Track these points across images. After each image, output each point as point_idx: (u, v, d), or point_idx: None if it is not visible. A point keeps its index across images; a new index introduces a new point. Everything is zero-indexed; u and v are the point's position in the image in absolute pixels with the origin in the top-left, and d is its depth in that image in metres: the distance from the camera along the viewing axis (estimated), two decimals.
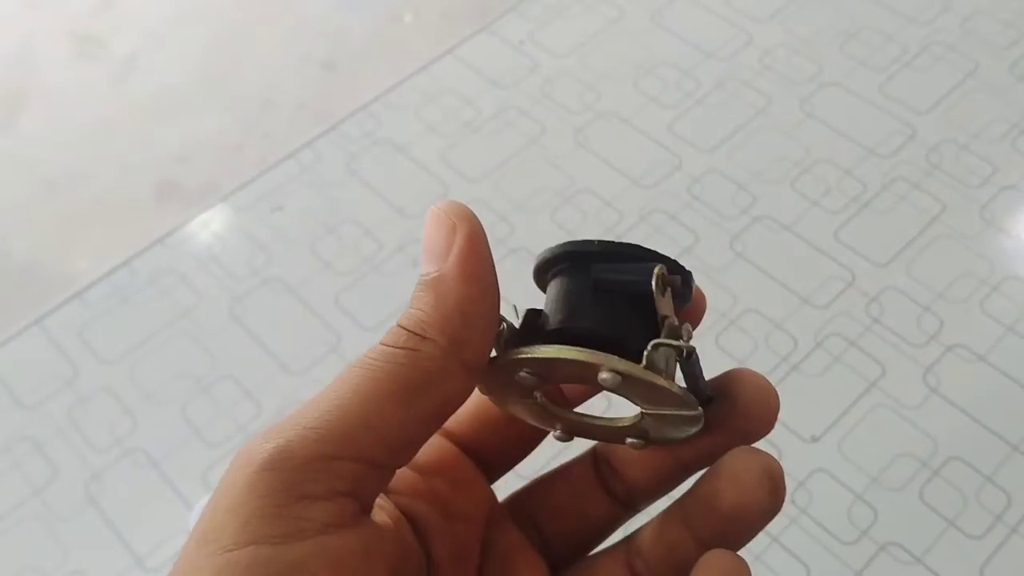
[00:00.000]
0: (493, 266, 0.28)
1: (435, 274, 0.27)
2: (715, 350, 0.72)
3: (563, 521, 0.31)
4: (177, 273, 0.81)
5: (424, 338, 0.26)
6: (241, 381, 0.75)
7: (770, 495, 0.28)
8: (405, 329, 0.26)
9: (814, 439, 0.70)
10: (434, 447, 0.31)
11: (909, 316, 0.75)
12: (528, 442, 0.32)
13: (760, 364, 0.72)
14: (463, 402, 0.27)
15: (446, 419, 0.27)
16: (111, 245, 1.34)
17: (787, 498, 0.68)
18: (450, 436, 0.31)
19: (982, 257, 0.78)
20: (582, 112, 0.89)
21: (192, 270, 0.81)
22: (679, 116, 0.88)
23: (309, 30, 1.64)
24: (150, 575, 0.68)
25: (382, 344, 0.26)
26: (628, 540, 0.31)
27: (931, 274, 0.77)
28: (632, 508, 0.31)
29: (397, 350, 0.26)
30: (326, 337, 0.77)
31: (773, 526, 0.66)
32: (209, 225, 0.83)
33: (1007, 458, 0.68)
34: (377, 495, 0.27)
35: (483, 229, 0.28)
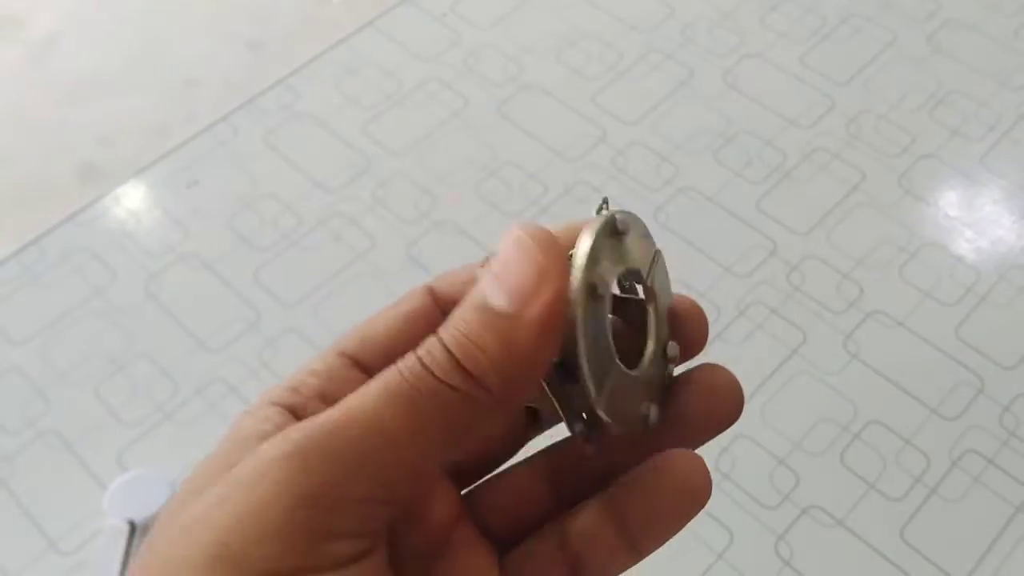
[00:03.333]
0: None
1: (509, 313, 0.24)
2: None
3: (506, 518, 0.30)
4: (89, 251, 0.78)
5: (479, 385, 0.24)
6: (157, 360, 0.73)
7: (706, 495, 0.27)
8: (460, 365, 0.24)
9: None
10: (353, 381, 0.30)
11: (829, 284, 0.76)
12: (500, 452, 0.32)
13: None
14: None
15: None
16: (31, 231, 1.30)
17: (710, 465, 0.69)
18: (367, 368, 0.30)
19: (901, 225, 0.79)
20: (505, 84, 0.88)
21: (105, 247, 0.78)
22: (602, 88, 0.87)
23: (235, 9, 1.61)
24: (64, 559, 0.66)
25: (427, 369, 0.24)
26: (560, 522, 0.30)
27: (851, 242, 0.78)
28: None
29: (447, 389, 0.23)
30: (245, 314, 0.75)
31: None
32: (122, 201, 0.81)
33: (926, 421, 0.69)
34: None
35: (566, 276, 0.25)
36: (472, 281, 0.26)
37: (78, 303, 0.76)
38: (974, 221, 0.79)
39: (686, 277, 0.75)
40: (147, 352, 0.74)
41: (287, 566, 0.22)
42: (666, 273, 0.30)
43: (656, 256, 0.29)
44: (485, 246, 0.76)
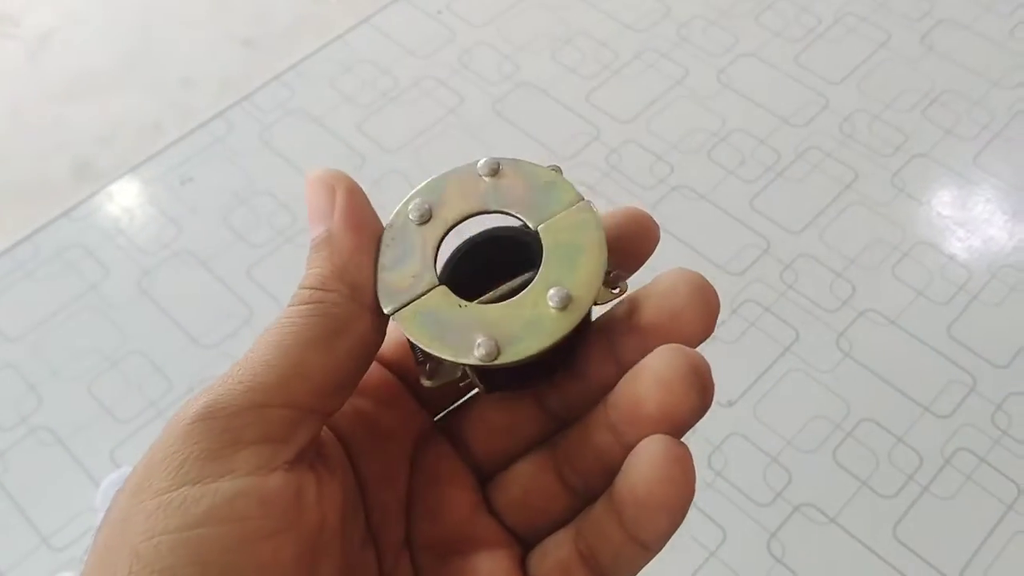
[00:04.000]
0: (376, 215, 0.29)
1: (324, 233, 0.28)
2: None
3: (492, 434, 0.30)
4: (83, 247, 0.78)
5: (327, 291, 0.27)
6: (150, 356, 0.73)
7: (699, 394, 0.27)
8: (307, 288, 0.27)
9: (730, 404, 0.70)
10: None
11: (822, 282, 0.76)
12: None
13: None
14: (379, 343, 0.28)
15: (369, 361, 0.28)
16: (26, 228, 1.30)
17: (703, 462, 0.69)
18: (379, 359, 0.31)
19: (894, 224, 0.79)
20: (500, 82, 0.88)
21: (99, 244, 0.78)
22: (597, 87, 0.87)
23: (231, 8, 1.61)
24: (57, 554, 0.66)
25: (289, 307, 0.27)
26: (553, 446, 0.30)
27: (844, 241, 0.78)
28: (566, 422, 0.31)
29: (304, 306, 0.27)
30: (239, 310, 0.75)
31: None
32: (115, 197, 0.81)
33: (918, 419, 0.70)
34: (312, 441, 0.27)
35: (359, 186, 0.29)
36: None
37: (71, 299, 0.76)
38: (967, 220, 0.79)
39: None
40: (140, 349, 0.74)
41: (193, 476, 0.24)
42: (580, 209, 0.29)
43: (555, 191, 0.29)
44: None
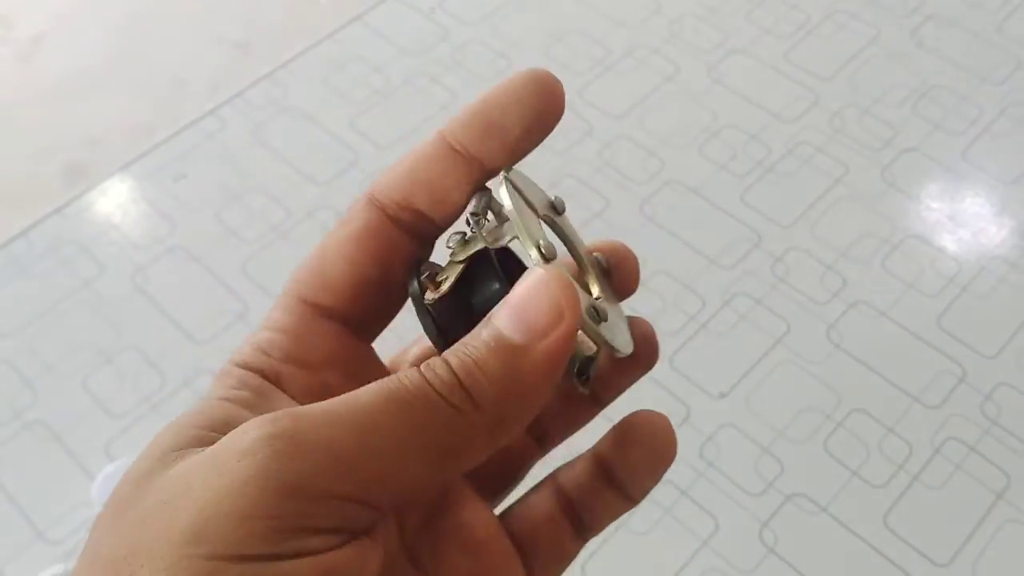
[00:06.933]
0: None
1: (520, 344, 0.24)
2: (625, 312, 0.73)
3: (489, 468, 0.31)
4: (77, 243, 0.79)
5: (477, 407, 0.24)
6: (145, 351, 0.74)
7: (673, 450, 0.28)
8: (460, 383, 0.24)
9: (722, 395, 0.71)
10: (321, 336, 0.29)
11: (813, 275, 0.76)
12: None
13: (669, 323, 0.73)
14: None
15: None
16: (17, 229, 1.30)
17: (695, 453, 0.69)
18: (332, 315, 0.29)
19: (884, 217, 0.80)
20: (492, 79, 0.88)
21: (92, 240, 0.79)
22: (589, 83, 0.88)
23: (222, 10, 1.61)
24: (52, 547, 0.66)
25: (427, 382, 0.24)
26: (554, 477, 0.31)
27: (834, 234, 0.79)
28: (544, 443, 0.31)
29: (442, 404, 0.24)
30: (233, 306, 0.76)
31: (682, 480, 0.66)
32: (109, 194, 0.81)
33: (908, 409, 0.70)
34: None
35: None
36: (411, 171, 0.27)
37: (66, 295, 0.76)
38: (956, 213, 0.80)
39: (671, 269, 0.76)
40: (135, 344, 0.74)
41: (259, 552, 0.22)
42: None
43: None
44: None
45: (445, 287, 0.28)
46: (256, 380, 0.27)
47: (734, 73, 0.89)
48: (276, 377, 0.27)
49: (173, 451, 0.24)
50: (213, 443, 0.24)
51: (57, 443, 0.70)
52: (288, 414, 0.23)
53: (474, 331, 0.25)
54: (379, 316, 0.30)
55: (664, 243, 0.78)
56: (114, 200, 0.81)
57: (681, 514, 0.65)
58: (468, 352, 0.24)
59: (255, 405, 0.26)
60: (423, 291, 0.27)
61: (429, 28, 0.92)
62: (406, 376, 0.24)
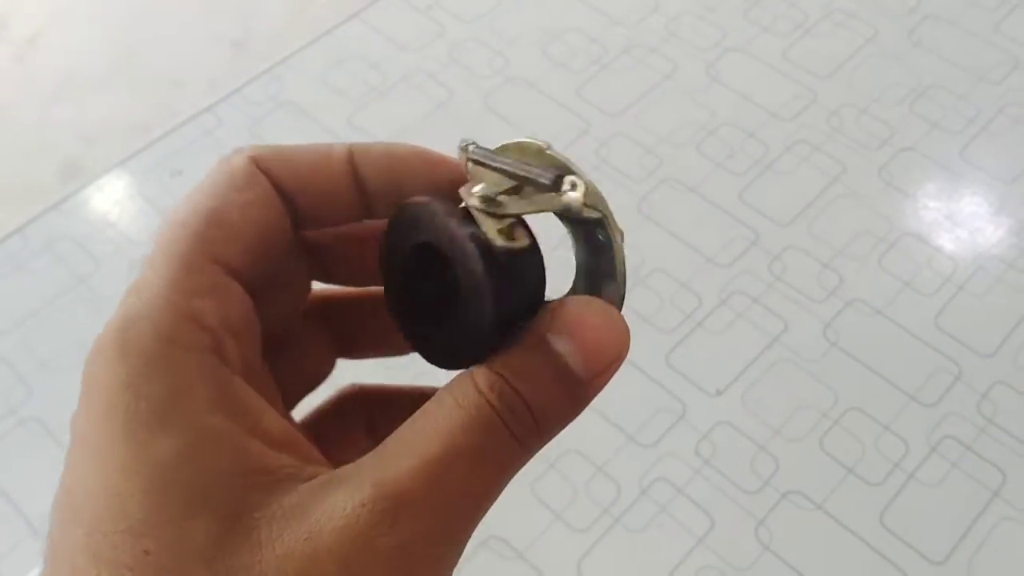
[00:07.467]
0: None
1: (583, 380, 0.24)
2: (624, 308, 0.73)
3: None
4: (73, 239, 0.78)
5: (540, 439, 0.24)
6: None
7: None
8: (531, 413, 0.24)
9: (718, 393, 0.71)
10: (239, 301, 0.28)
11: (810, 273, 0.76)
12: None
13: (666, 321, 0.73)
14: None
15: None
16: (13, 227, 1.29)
17: (691, 450, 0.69)
18: (239, 277, 0.28)
19: (881, 216, 0.80)
20: (491, 77, 0.89)
21: (88, 236, 0.78)
22: (587, 81, 0.88)
23: (219, 8, 1.61)
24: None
25: (492, 406, 0.23)
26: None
27: (832, 232, 0.79)
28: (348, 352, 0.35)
29: (506, 434, 0.23)
30: None
31: (678, 478, 0.66)
32: (105, 190, 0.81)
33: (904, 407, 0.70)
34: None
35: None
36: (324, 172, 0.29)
37: (62, 291, 0.76)
38: (953, 212, 0.80)
39: (668, 267, 0.76)
40: None
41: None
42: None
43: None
44: None
45: (524, 240, 0.25)
46: (210, 357, 0.26)
47: (732, 71, 0.89)
48: (224, 353, 0.26)
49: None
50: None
51: (52, 440, 0.70)
52: (377, 468, 0.23)
53: (533, 345, 0.24)
54: (276, 284, 0.31)
55: (661, 241, 0.78)
56: (110, 197, 0.81)
57: (676, 512, 0.65)
58: (536, 382, 0.24)
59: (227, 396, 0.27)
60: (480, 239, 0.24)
61: (426, 25, 0.92)
62: (484, 421, 0.23)
